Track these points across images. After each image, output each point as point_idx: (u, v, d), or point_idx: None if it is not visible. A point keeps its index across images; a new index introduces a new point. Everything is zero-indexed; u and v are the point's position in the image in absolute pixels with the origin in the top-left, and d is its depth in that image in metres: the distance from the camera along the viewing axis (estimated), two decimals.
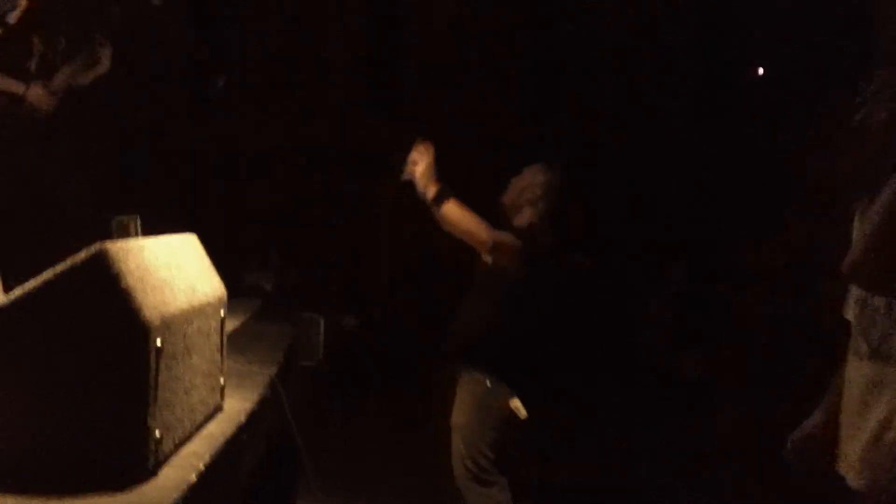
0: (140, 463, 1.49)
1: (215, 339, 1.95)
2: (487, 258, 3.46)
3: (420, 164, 3.30)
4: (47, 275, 1.47)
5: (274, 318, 3.91)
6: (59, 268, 1.47)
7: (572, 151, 8.44)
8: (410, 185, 3.37)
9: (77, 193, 4.34)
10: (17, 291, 1.47)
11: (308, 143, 8.60)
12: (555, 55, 8.94)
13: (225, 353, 2.05)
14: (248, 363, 2.51)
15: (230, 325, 2.74)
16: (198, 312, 1.80)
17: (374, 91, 8.90)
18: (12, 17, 3.52)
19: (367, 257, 8.50)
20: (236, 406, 2.05)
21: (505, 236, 3.41)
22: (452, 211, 3.30)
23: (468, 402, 3.53)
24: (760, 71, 8.44)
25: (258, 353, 2.76)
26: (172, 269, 1.74)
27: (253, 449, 2.09)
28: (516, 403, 3.45)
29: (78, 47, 4.26)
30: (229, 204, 8.32)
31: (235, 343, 2.89)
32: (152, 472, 1.52)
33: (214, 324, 1.94)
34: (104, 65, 4.33)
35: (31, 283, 1.46)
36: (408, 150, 3.34)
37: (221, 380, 2.02)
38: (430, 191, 3.30)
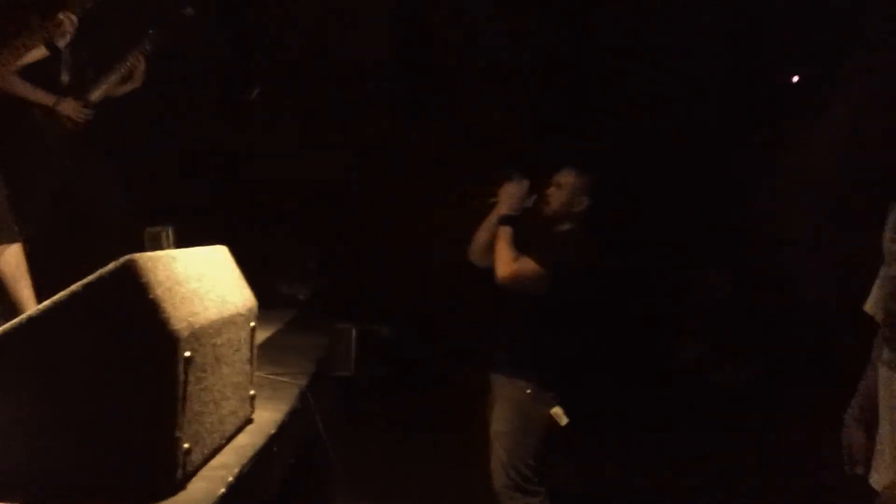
0: (168, 475, 1.49)
1: (245, 350, 1.94)
2: (502, 284, 3.46)
3: (511, 192, 3.51)
4: (76, 286, 1.47)
5: (307, 329, 3.92)
6: (89, 279, 1.47)
7: (607, 153, 8.38)
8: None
9: (112, 204, 4.39)
10: (47, 303, 1.47)
11: (342, 152, 8.62)
12: (587, 58, 8.88)
13: (255, 364, 2.04)
14: (280, 374, 2.51)
15: (262, 336, 2.75)
16: (227, 323, 1.79)
17: (407, 96, 8.89)
18: (62, 44, 3.59)
19: (402, 266, 8.49)
20: (267, 417, 2.05)
21: (526, 268, 3.40)
22: (506, 233, 3.45)
23: (510, 410, 3.49)
24: (795, 78, 8.33)
25: (290, 363, 2.75)
26: (202, 281, 1.74)
27: (283, 460, 2.08)
28: (557, 411, 3.42)
29: (112, 61, 4.32)
30: (265, 213, 8.36)
31: (268, 354, 2.89)
32: (181, 485, 1.51)
33: (244, 335, 1.94)
34: (137, 80, 4.38)
35: (61, 295, 1.47)
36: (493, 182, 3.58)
37: (251, 391, 2.01)
38: (509, 208, 3.49)
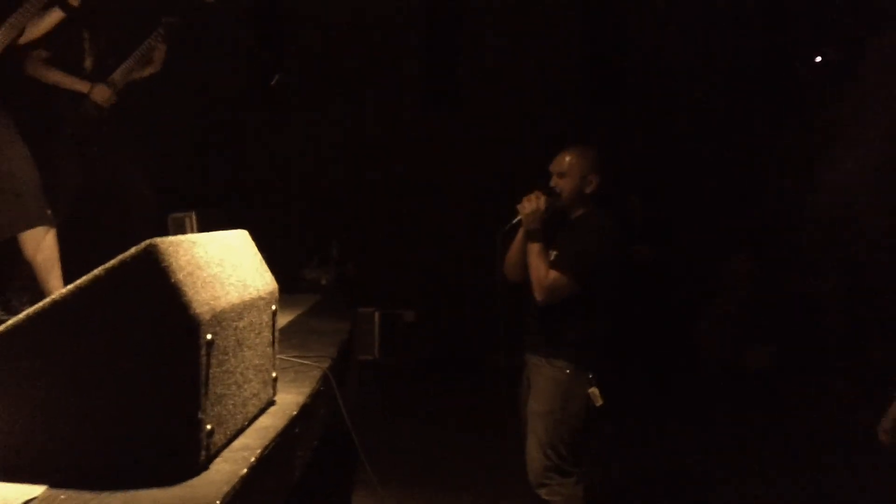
0: (191, 456, 1.51)
1: (267, 333, 1.96)
2: (540, 303, 3.51)
3: (532, 204, 3.53)
4: (98, 270, 1.48)
5: (330, 313, 3.93)
6: (110, 263, 1.49)
7: (631, 142, 8.35)
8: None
9: (138, 191, 4.42)
10: (69, 287, 1.49)
11: (366, 138, 8.64)
12: (613, 46, 8.83)
13: (277, 347, 2.06)
14: (303, 358, 2.52)
15: (285, 320, 2.76)
16: (249, 307, 1.80)
17: (432, 85, 8.89)
18: (76, 1, 3.60)
19: (427, 251, 8.51)
20: (289, 399, 2.06)
21: (558, 284, 3.44)
22: (535, 249, 3.50)
23: (550, 389, 3.52)
24: (818, 58, 8.23)
25: (313, 347, 2.77)
26: (223, 265, 1.75)
27: (306, 442, 2.10)
28: (594, 391, 3.44)
29: (132, 44, 4.35)
30: (289, 198, 8.40)
31: (291, 337, 2.92)
32: (204, 466, 1.52)
33: (266, 318, 1.95)
34: (156, 64, 4.41)
35: (83, 279, 1.48)
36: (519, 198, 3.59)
37: (274, 374, 2.03)
38: (532, 224, 3.53)
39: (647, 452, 5.65)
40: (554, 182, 3.60)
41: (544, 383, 3.54)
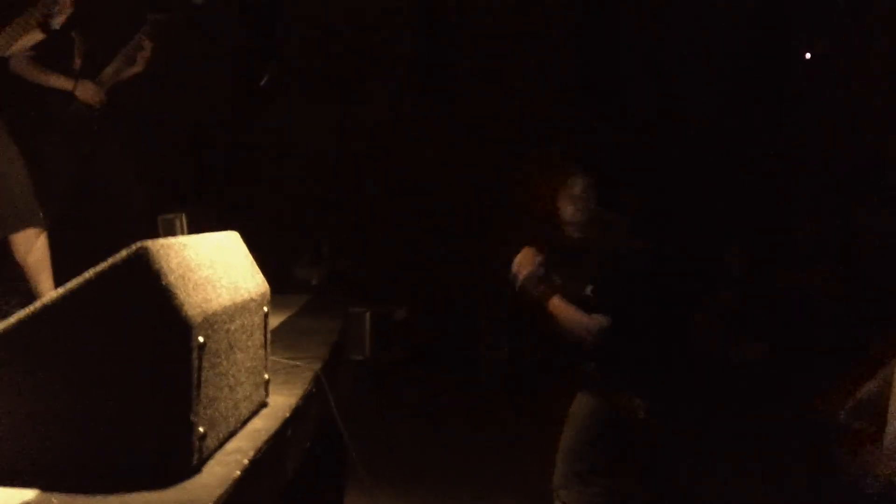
0: (184, 459, 1.51)
1: (259, 335, 1.96)
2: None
3: (525, 268, 3.45)
4: (89, 273, 1.48)
5: (321, 313, 3.93)
6: (101, 267, 1.48)
7: (625, 137, 8.34)
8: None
9: (128, 190, 4.41)
10: (60, 290, 1.49)
11: (358, 134, 8.63)
12: (608, 39, 8.82)
13: (269, 348, 2.06)
14: (294, 358, 2.52)
15: (276, 321, 2.76)
16: (241, 309, 1.80)
17: (425, 80, 8.88)
18: (57, 23, 3.57)
19: (418, 249, 8.50)
20: (281, 401, 2.06)
21: (606, 322, 3.37)
22: (557, 307, 3.41)
23: (591, 396, 3.44)
24: (808, 55, 8.26)
25: (304, 348, 2.77)
26: (214, 267, 1.75)
27: (299, 444, 2.10)
28: (637, 402, 3.36)
29: (120, 44, 4.33)
30: (279, 197, 8.38)
31: (282, 338, 2.91)
32: (196, 469, 1.53)
33: (258, 320, 1.95)
34: (140, 64, 4.38)
35: (74, 282, 1.48)
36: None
37: (266, 375, 2.03)
38: (538, 291, 3.43)
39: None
40: (562, 206, 3.50)
41: (587, 390, 3.46)
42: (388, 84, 8.75)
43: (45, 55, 4.09)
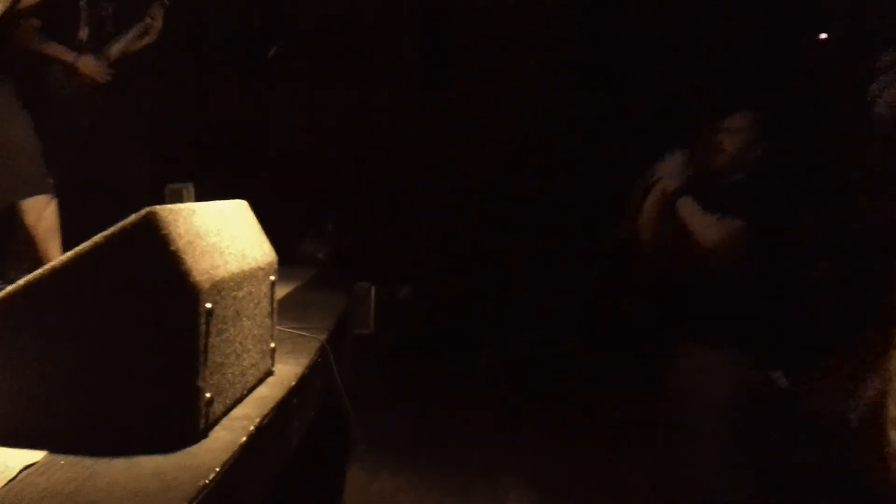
0: (191, 424, 1.51)
1: (265, 304, 1.96)
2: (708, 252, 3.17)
3: (671, 166, 3.28)
4: (98, 238, 1.48)
5: (327, 286, 3.93)
6: (109, 231, 1.48)
7: (630, 119, 8.31)
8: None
9: (133, 163, 4.40)
10: (69, 254, 1.49)
11: (362, 112, 8.60)
12: (614, 21, 8.76)
13: (276, 318, 2.06)
14: (300, 329, 2.53)
15: (283, 292, 2.77)
16: (248, 277, 1.80)
17: (427, 59, 8.83)
18: None
19: (423, 226, 8.50)
20: (287, 370, 2.07)
21: (734, 226, 3.13)
22: (687, 206, 3.22)
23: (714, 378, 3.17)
24: (823, 35, 8.17)
25: (310, 319, 2.77)
26: (223, 234, 1.75)
27: (303, 413, 2.11)
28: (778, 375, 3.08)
29: (129, 17, 4.31)
30: (285, 173, 8.37)
31: (288, 309, 2.92)
32: (203, 434, 1.53)
33: (265, 289, 1.95)
34: (153, 34, 4.37)
35: (82, 246, 1.48)
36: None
37: (272, 344, 2.03)
38: (674, 185, 3.26)
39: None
40: (721, 138, 3.29)
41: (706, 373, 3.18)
42: (391, 61, 8.71)
43: (51, 25, 4.07)
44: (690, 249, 3.17)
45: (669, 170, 3.25)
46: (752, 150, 3.24)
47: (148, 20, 4.30)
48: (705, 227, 3.12)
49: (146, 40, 4.38)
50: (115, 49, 4.24)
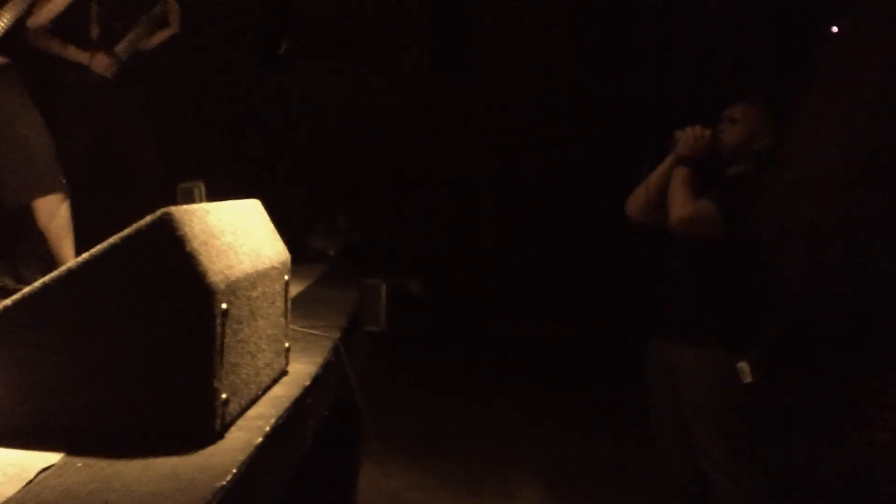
0: (207, 425, 1.51)
1: (280, 303, 1.96)
2: (675, 229, 3.16)
3: (693, 136, 3.24)
4: (114, 239, 1.48)
5: (338, 284, 3.93)
6: (125, 232, 1.48)
7: (646, 104, 8.26)
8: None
9: (147, 160, 4.41)
10: (85, 256, 1.49)
11: (374, 102, 8.58)
12: (628, 8, 8.70)
13: (289, 317, 2.06)
14: (313, 327, 2.53)
15: (294, 290, 2.76)
16: (262, 276, 1.80)
17: (441, 46, 8.78)
18: None
19: (433, 221, 8.49)
20: (301, 369, 2.07)
21: (704, 210, 3.08)
22: (682, 173, 3.18)
23: (709, 377, 3.10)
24: (834, 29, 8.11)
25: (322, 317, 2.77)
26: (237, 234, 1.75)
27: (317, 412, 2.11)
28: (743, 366, 2.95)
29: (139, 11, 4.31)
30: (295, 167, 8.37)
31: (300, 307, 2.91)
32: (219, 435, 1.53)
33: (279, 288, 1.95)
34: (174, 25, 4.37)
35: (98, 248, 1.48)
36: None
37: (286, 343, 2.03)
38: (687, 151, 3.22)
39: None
40: (723, 127, 3.24)
41: (702, 371, 3.11)
42: (402, 53, 8.68)
43: (62, 24, 4.08)
44: (665, 216, 3.19)
45: (689, 139, 3.22)
46: (755, 140, 3.20)
47: (154, 15, 4.30)
48: (682, 202, 3.10)
49: (167, 32, 4.38)
50: (123, 48, 4.24)
